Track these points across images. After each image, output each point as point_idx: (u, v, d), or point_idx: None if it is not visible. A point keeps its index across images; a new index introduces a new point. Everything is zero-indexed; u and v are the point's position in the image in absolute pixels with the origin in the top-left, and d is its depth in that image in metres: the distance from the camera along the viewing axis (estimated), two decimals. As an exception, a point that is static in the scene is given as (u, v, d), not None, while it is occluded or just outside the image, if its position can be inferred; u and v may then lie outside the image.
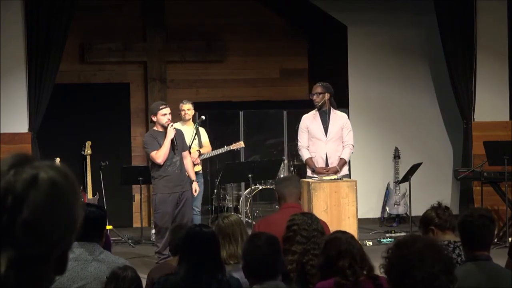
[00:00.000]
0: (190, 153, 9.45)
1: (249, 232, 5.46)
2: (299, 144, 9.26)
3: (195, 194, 9.19)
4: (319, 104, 9.08)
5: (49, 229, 1.45)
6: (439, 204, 5.05)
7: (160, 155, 8.80)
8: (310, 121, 9.16)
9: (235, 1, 12.97)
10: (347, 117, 9.33)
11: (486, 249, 4.30)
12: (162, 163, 8.82)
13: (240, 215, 11.70)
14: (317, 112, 9.14)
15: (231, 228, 5.13)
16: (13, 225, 1.42)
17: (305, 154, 9.18)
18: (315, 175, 8.97)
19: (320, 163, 9.07)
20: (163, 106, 8.95)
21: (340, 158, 9.05)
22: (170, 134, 8.77)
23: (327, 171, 8.91)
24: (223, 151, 10.87)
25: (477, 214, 4.36)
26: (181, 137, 9.06)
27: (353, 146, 9.23)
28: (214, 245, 4.36)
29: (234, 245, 5.06)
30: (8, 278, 1.42)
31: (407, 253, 2.72)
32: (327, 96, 9.09)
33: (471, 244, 4.27)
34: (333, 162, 9.04)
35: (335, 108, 9.23)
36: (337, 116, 9.15)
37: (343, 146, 9.11)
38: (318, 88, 9.15)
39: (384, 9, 12.34)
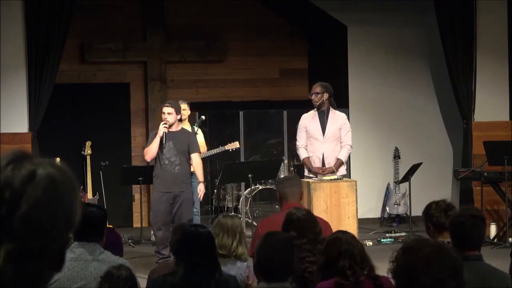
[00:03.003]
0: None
1: (248, 232, 5.47)
2: (297, 143, 9.28)
3: (200, 195, 9.14)
4: (317, 103, 9.09)
5: (47, 224, 1.46)
6: (443, 202, 5.00)
7: (146, 151, 9.07)
8: (308, 120, 9.17)
9: (235, 1, 12.96)
10: (346, 117, 9.30)
11: (477, 249, 4.29)
12: (148, 160, 9.06)
13: (240, 215, 11.71)
14: (316, 112, 9.15)
15: (231, 222, 5.18)
16: (12, 219, 1.43)
17: (302, 154, 9.19)
18: (312, 175, 8.97)
19: (316, 163, 9.07)
20: (165, 105, 9.14)
21: (337, 159, 9.04)
22: (160, 132, 8.88)
23: (323, 171, 8.90)
24: (218, 151, 10.90)
25: (468, 214, 4.33)
26: (185, 138, 9.06)
27: (351, 147, 9.21)
28: (210, 245, 4.37)
29: (229, 238, 5.11)
30: (6, 272, 1.42)
31: (415, 258, 2.69)
32: (325, 96, 9.09)
33: (462, 244, 4.25)
34: (330, 163, 9.02)
35: (335, 108, 9.23)
36: (335, 116, 9.14)
37: (341, 147, 9.10)
38: (317, 88, 9.16)
39: (384, 9, 12.34)
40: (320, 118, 9.11)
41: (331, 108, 9.15)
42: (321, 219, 6.08)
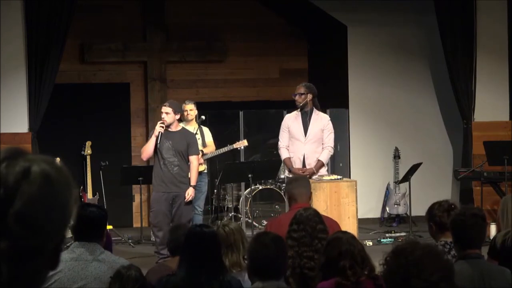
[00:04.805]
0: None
1: (248, 233, 5.43)
2: (279, 143, 9.29)
3: (187, 198, 9.01)
4: (301, 104, 9.13)
5: (42, 222, 1.45)
6: (445, 203, 5.01)
7: (142, 150, 9.19)
8: (291, 121, 9.21)
9: (235, 1, 12.96)
10: (329, 119, 9.32)
11: (478, 247, 4.31)
12: (144, 159, 9.25)
13: (240, 215, 11.70)
14: (299, 113, 9.18)
15: (232, 237, 5.08)
16: (6, 217, 1.42)
17: (283, 154, 9.21)
18: (291, 176, 8.97)
19: (297, 164, 9.09)
20: (163, 105, 9.17)
21: (318, 160, 9.05)
22: (156, 131, 8.94)
23: (303, 172, 8.89)
24: (226, 150, 10.87)
25: (469, 213, 4.36)
26: (184, 138, 9.06)
27: (332, 149, 9.22)
28: (215, 246, 4.35)
29: (236, 253, 5.00)
30: (2, 271, 1.42)
31: (406, 261, 2.68)
32: (309, 97, 9.14)
33: (463, 243, 4.27)
34: (311, 163, 9.04)
35: (318, 110, 9.26)
36: (318, 118, 9.17)
37: (322, 148, 9.11)
38: (301, 89, 9.22)
39: (384, 9, 12.33)
40: (303, 119, 9.14)
41: (314, 109, 9.18)
42: (329, 218, 6.08)
